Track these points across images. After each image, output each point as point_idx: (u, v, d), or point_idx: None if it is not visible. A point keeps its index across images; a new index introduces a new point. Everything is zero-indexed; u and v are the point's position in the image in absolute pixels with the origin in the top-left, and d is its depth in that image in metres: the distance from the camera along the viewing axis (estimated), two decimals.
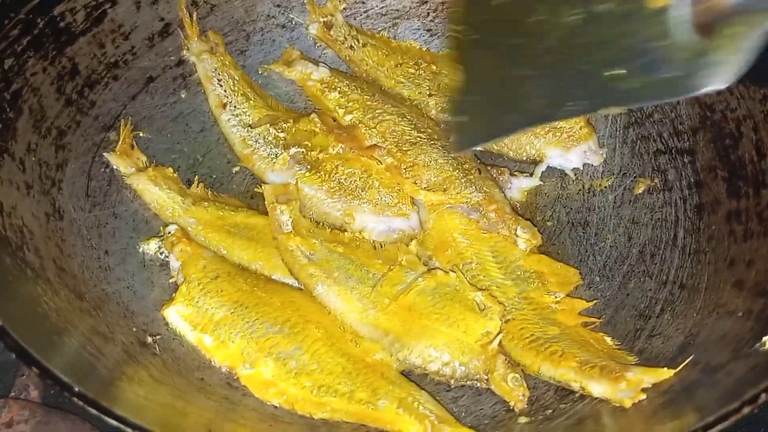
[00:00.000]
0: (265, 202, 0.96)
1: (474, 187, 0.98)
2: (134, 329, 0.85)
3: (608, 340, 0.86)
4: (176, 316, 0.86)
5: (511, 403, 0.82)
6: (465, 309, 0.85)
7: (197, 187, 1.02)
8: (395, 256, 0.92)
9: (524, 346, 0.85)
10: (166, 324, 0.87)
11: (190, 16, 1.11)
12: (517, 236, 0.95)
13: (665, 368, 0.75)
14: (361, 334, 0.86)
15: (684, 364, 0.75)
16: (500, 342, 0.84)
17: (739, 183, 0.89)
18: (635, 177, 1.02)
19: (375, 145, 1.02)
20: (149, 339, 0.85)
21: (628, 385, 0.77)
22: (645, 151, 1.03)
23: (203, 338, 0.84)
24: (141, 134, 1.06)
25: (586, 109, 0.72)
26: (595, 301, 0.91)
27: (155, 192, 0.99)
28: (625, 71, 0.63)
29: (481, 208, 0.97)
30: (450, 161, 1.00)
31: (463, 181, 0.99)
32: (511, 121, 0.75)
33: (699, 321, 0.81)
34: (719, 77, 0.60)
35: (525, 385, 0.82)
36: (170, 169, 1.02)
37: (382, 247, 0.94)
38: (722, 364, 0.71)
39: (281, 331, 0.84)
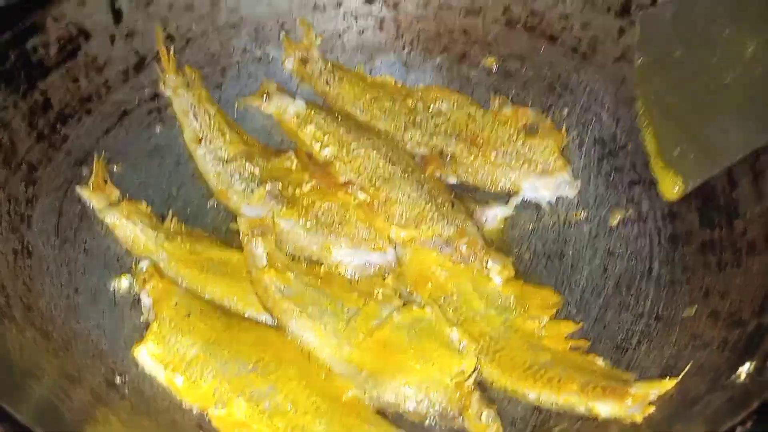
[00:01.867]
0: (240, 236, 0.95)
1: (446, 221, 0.98)
2: (103, 369, 0.83)
3: (600, 361, 0.86)
4: (147, 355, 0.84)
5: None
6: (440, 345, 0.84)
7: (171, 221, 1.01)
8: (371, 289, 0.91)
9: (520, 375, 0.84)
10: (137, 364, 0.85)
11: (167, 50, 1.10)
12: (488, 269, 0.95)
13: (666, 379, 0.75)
14: (334, 370, 0.84)
15: (685, 371, 0.75)
16: (475, 379, 0.83)
17: (712, 213, 0.90)
18: (610, 208, 1.03)
19: (348, 181, 1.02)
20: (118, 379, 0.83)
21: (635, 400, 0.76)
22: (619, 182, 1.04)
23: (174, 378, 0.82)
24: (115, 168, 1.04)
25: None
26: (581, 324, 0.91)
27: (127, 227, 0.98)
28: None
29: (453, 242, 0.96)
30: (423, 195, 1.01)
31: (435, 215, 0.99)
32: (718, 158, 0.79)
33: (676, 353, 0.81)
34: None
35: (500, 421, 0.81)
36: (143, 204, 1.01)
37: (357, 281, 0.94)
38: (699, 395, 0.70)
39: (254, 370, 0.83)
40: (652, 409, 0.76)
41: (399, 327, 0.86)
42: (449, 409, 0.81)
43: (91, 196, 0.99)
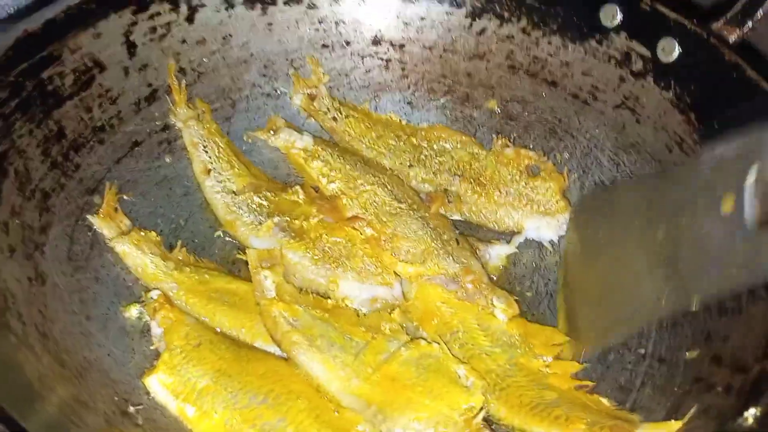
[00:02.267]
0: (249, 267, 0.96)
1: (452, 258, 1.00)
2: (116, 398, 0.83)
3: (605, 401, 0.87)
4: (158, 384, 0.85)
5: None
6: (449, 382, 0.85)
7: (179, 251, 1.02)
8: (378, 324, 0.92)
9: (527, 413, 0.84)
10: (148, 393, 0.85)
11: (179, 83, 1.12)
12: (493, 306, 0.97)
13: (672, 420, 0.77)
14: (343, 404, 0.85)
15: (690, 413, 0.76)
16: (484, 417, 0.83)
17: None
18: None
19: (355, 216, 1.04)
20: (131, 408, 0.83)
21: None
22: None
23: (185, 408, 0.83)
24: (125, 197, 1.06)
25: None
26: (585, 364, 0.92)
27: (137, 256, 0.98)
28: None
29: (459, 279, 0.98)
30: (429, 232, 1.02)
31: (441, 252, 1.00)
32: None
33: (680, 395, 0.82)
34: None
35: None
36: (153, 233, 1.02)
37: (365, 315, 0.95)
38: None
39: (265, 402, 0.83)
40: None
41: (407, 362, 0.86)
42: None
43: (101, 225, 1.00)
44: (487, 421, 0.85)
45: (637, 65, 1.06)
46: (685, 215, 0.76)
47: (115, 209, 1.03)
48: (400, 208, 1.05)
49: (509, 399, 0.86)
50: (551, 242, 1.07)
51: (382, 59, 1.24)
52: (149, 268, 0.97)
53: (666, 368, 0.88)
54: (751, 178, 0.68)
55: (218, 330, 0.93)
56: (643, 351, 0.92)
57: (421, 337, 0.91)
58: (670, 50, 1.02)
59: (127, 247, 0.99)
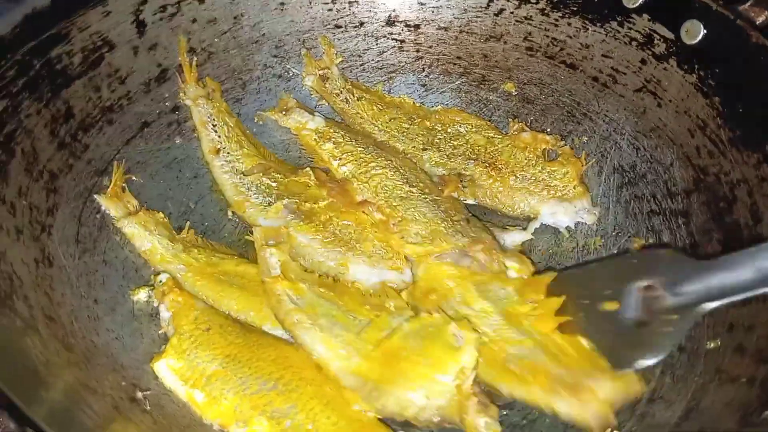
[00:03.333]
0: (255, 245, 0.94)
1: (460, 234, 0.98)
2: (123, 383, 0.82)
3: (585, 342, 0.85)
4: (166, 369, 0.84)
5: None
6: (443, 347, 0.82)
7: (187, 233, 1.01)
8: (383, 302, 0.90)
9: (496, 369, 0.84)
10: (156, 378, 0.84)
11: (190, 60, 1.10)
12: (507, 268, 0.95)
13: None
14: (343, 383, 0.83)
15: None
16: (475, 380, 0.82)
17: (735, 246, 0.90)
18: (629, 237, 1.03)
19: (365, 201, 1.02)
20: (139, 394, 0.82)
21: (598, 407, 0.78)
22: (639, 211, 1.04)
23: (194, 394, 0.82)
24: (133, 178, 1.04)
25: None
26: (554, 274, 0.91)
27: (145, 237, 0.97)
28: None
29: (469, 251, 0.96)
30: (438, 215, 1.00)
31: (450, 230, 0.98)
32: None
33: (701, 386, 0.81)
34: (653, 356, 0.79)
35: (499, 429, 0.80)
36: (161, 214, 1.01)
37: (370, 294, 0.93)
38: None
39: (275, 388, 0.82)
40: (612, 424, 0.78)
41: (407, 335, 0.84)
42: (450, 416, 0.80)
43: (108, 205, 0.99)
44: (484, 389, 0.84)
45: (660, 48, 1.03)
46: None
47: (123, 189, 1.01)
48: (410, 192, 1.03)
49: (484, 355, 0.85)
50: (567, 228, 1.05)
51: (396, 40, 1.22)
52: (156, 250, 0.96)
53: (686, 358, 0.86)
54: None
55: (227, 314, 0.92)
56: None
57: (423, 310, 0.89)
58: (695, 32, 0.99)
59: (134, 228, 0.97)
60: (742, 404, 0.72)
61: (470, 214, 1.04)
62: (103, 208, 0.99)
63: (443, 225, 0.99)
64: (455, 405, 0.80)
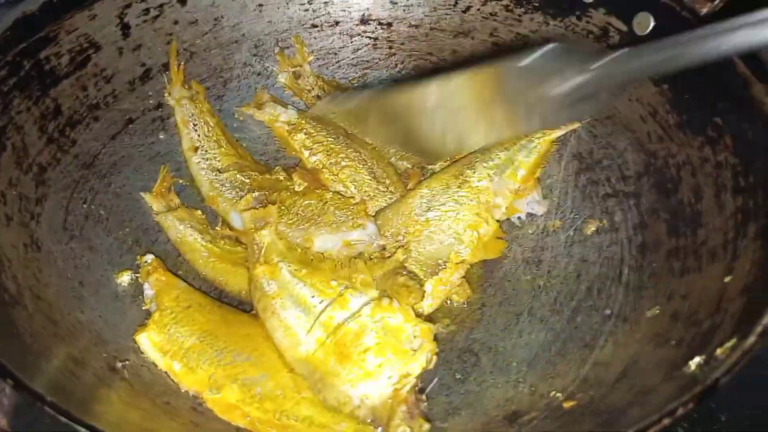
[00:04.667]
0: (244, 229, 1.00)
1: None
2: (105, 355, 0.88)
3: None
4: (148, 342, 0.90)
5: None
6: (396, 347, 0.83)
7: (221, 227, 1.08)
8: (351, 275, 0.91)
9: None
10: (135, 352, 0.90)
11: (178, 64, 1.17)
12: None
13: None
14: (295, 369, 0.87)
15: None
16: (412, 388, 0.82)
17: (678, 224, 0.96)
18: (585, 218, 1.08)
19: (337, 192, 1.08)
20: (119, 364, 0.88)
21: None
22: (594, 195, 1.09)
23: (172, 364, 0.88)
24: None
25: None
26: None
27: (178, 229, 1.06)
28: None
29: None
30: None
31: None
32: None
33: (638, 350, 0.86)
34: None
35: None
36: (199, 212, 1.10)
37: (341, 265, 0.94)
38: (654, 385, 0.76)
39: (248, 360, 0.87)
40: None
41: (363, 325, 0.84)
42: (380, 417, 0.82)
43: (152, 201, 1.09)
44: (421, 390, 0.86)
45: (614, 39, 1.09)
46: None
47: (168, 189, 1.11)
48: (378, 189, 1.09)
49: None
50: (519, 218, 1.11)
51: (370, 38, 1.28)
52: (187, 240, 1.05)
53: (628, 326, 0.91)
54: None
55: (205, 295, 0.99)
56: (608, 312, 0.96)
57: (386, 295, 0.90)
58: (646, 24, 1.04)
59: (170, 222, 1.07)
60: (669, 362, 0.78)
61: None
62: (146, 203, 1.09)
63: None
64: (387, 407, 0.81)
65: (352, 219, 1.01)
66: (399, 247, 1.01)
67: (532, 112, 0.92)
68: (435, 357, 0.84)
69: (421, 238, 1.02)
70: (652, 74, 0.83)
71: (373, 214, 1.06)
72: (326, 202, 1.04)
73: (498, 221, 1.06)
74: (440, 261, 1.00)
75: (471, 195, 1.05)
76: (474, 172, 1.06)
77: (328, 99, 1.09)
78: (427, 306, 0.98)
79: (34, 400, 0.65)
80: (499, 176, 1.06)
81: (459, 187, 1.05)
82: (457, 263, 1.00)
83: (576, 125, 1.12)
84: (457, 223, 1.02)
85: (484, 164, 1.07)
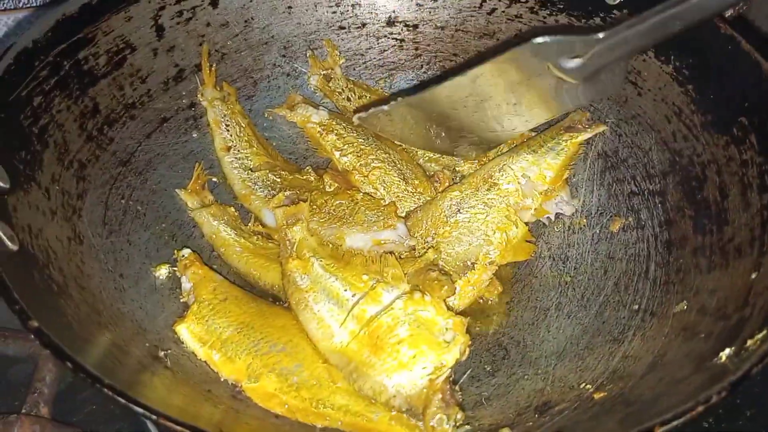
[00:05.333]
0: (276, 225, 1.02)
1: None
2: (147, 344, 0.91)
3: None
4: (187, 332, 0.92)
5: None
6: (429, 338, 0.84)
7: (253, 224, 1.10)
8: (382, 270, 0.93)
9: None
10: (175, 342, 0.93)
11: (210, 66, 1.20)
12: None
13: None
14: (329, 360, 0.89)
15: None
16: (448, 378, 0.84)
17: (704, 221, 0.97)
18: (611, 216, 1.10)
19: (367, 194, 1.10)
20: (161, 353, 0.90)
21: None
22: (620, 193, 1.11)
23: (212, 354, 0.90)
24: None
25: None
26: None
27: (212, 225, 1.08)
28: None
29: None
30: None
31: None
32: None
33: (666, 343, 0.87)
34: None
35: (449, 430, 0.82)
36: (232, 209, 1.11)
37: (372, 261, 0.96)
38: (685, 377, 0.77)
39: (283, 350, 0.90)
40: None
41: (396, 318, 0.86)
42: (415, 406, 0.83)
43: (187, 197, 1.11)
44: (454, 382, 0.87)
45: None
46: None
47: (203, 186, 1.14)
48: (406, 190, 1.11)
49: None
50: (548, 218, 1.12)
51: (396, 39, 1.30)
52: (220, 236, 1.07)
53: (656, 320, 0.93)
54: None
55: (243, 289, 1.01)
56: (636, 307, 0.98)
57: (418, 290, 0.91)
58: None
59: (204, 218, 1.09)
60: (698, 355, 0.79)
61: None
62: (181, 198, 1.11)
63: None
64: (422, 397, 0.82)
65: (383, 219, 1.03)
66: (430, 247, 1.02)
67: (560, 91, 0.95)
68: (468, 349, 0.85)
69: (451, 239, 1.03)
70: (659, 38, 0.82)
71: (403, 215, 1.08)
72: (357, 203, 1.06)
73: (526, 223, 1.07)
74: (469, 262, 1.02)
75: (500, 197, 1.06)
76: (503, 175, 1.08)
77: (362, 114, 1.09)
78: (456, 306, 1.00)
79: (91, 382, 0.68)
80: (527, 178, 1.07)
81: (488, 189, 1.07)
82: (485, 264, 1.02)
83: (602, 128, 1.13)
84: (486, 225, 1.04)
85: (513, 167, 1.08)
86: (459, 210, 1.06)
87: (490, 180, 1.08)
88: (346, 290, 0.91)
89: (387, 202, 1.09)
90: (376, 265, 0.93)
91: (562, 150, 1.11)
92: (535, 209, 1.08)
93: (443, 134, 1.09)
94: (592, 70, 0.90)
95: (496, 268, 1.03)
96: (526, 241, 1.05)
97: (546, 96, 0.97)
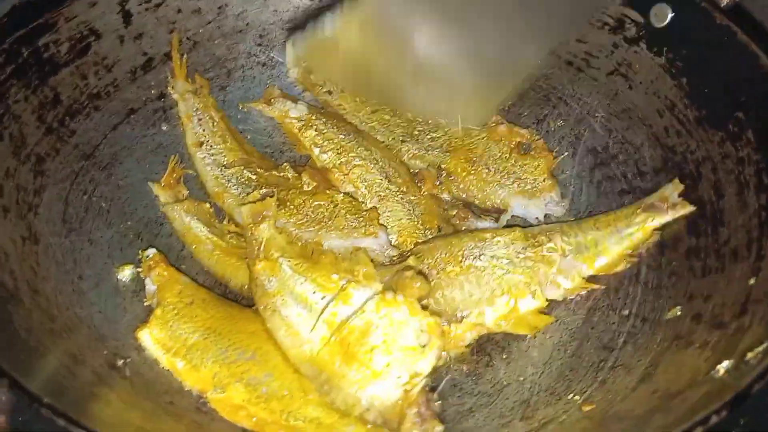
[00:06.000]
0: (242, 224, 0.97)
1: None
2: (105, 352, 0.85)
3: None
4: (150, 338, 0.87)
5: None
6: (403, 344, 0.80)
7: (227, 222, 1.05)
8: (353, 268, 0.87)
9: None
10: (137, 349, 0.88)
11: (181, 56, 1.14)
12: None
13: None
14: (301, 370, 0.84)
15: None
16: (423, 389, 0.80)
17: (698, 221, 0.93)
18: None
19: (348, 194, 1.05)
20: (119, 362, 0.85)
21: None
22: (610, 191, 1.06)
23: (175, 362, 0.85)
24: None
25: None
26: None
27: (184, 221, 1.03)
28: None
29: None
30: (413, 220, 1.03)
31: (419, 241, 1.01)
32: None
33: (659, 352, 0.83)
34: None
35: None
36: (207, 205, 1.06)
37: (343, 259, 0.89)
38: (679, 391, 0.73)
39: (252, 358, 0.85)
40: None
41: (368, 323, 0.81)
42: (390, 420, 0.79)
43: (159, 191, 1.06)
44: (433, 389, 0.83)
45: (631, 32, 1.06)
46: None
47: (178, 180, 1.08)
48: (389, 189, 1.06)
49: None
50: (537, 219, 1.07)
51: None
52: (191, 232, 1.02)
53: (648, 327, 0.89)
54: None
55: (209, 291, 0.96)
56: (627, 312, 0.93)
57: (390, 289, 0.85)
58: (663, 15, 1.02)
59: (177, 213, 1.04)
60: (693, 366, 0.75)
61: (445, 213, 1.06)
62: (153, 192, 1.06)
63: (414, 236, 1.01)
64: (397, 409, 0.79)
65: (364, 226, 0.98)
66: (410, 254, 0.95)
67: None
68: (444, 354, 0.80)
69: (454, 282, 0.92)
70: None
71: (386, 213, 1.03)
72: (337, 205, 1.01)
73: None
74: (459, 314, 0.91)
75: (533, 261, 0.93)
76: (549, 240, 0.94)
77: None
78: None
79: (30, 402, 0.62)
80: (573, 255, 0.94)
81: (524, 248, 0.94)
82: (473, 324, 0.91)
83: (689, 209, 0.94)
84: (499, 284, 0.91)
85: (565, 236, 0.95)
86: (480, 255, 0.93)
87: (532, 239, 0.94)
88: (315, 293, 0.85)
89: (369, 206, 1.04)
90: (346, 263, 0.87)
91: (630, 234, 0.95)
92: (567, 290, 0.95)
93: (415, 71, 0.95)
94: None
95: (484, 332, 0.93)
96: (541, 313, 0.93)
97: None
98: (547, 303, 0.93)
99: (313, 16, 1.16)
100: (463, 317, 0.91)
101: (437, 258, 0.94)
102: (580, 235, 0.95)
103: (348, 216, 1.00)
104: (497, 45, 0.91)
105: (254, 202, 0.97)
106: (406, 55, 0.96)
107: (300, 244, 0.94)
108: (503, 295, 0.91)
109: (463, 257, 0.93)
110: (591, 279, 0.95)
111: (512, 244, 0.94)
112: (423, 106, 1.05)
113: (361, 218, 1.00)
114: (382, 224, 1.00)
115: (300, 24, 1.19)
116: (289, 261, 0.89)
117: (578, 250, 0.94)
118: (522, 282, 0.92)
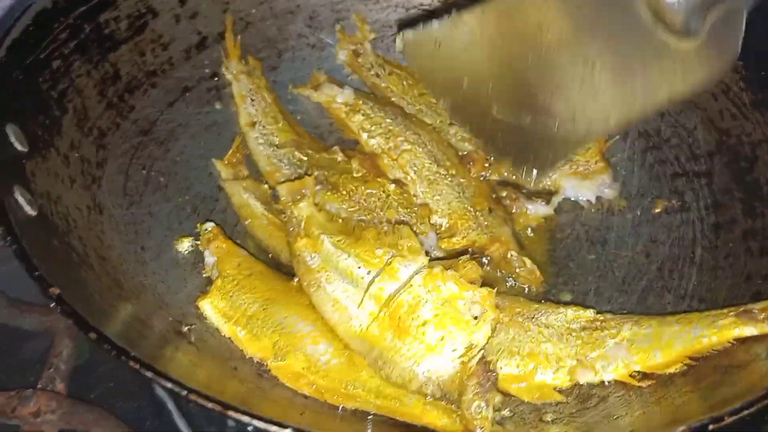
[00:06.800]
0: (281, 203, 0.97)
1: (480, 229, 1.00)
2: (170, 319, 0.87)
3: None
4: (211, 308, 0.88)
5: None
6: (455, 316, 0.78)
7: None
8: (396, 242, 0.85)
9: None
10: (198, 318, 0.89)
11: (235, 37, 1.15)
12: (518, 274, 0.97)
13: None
14: (350, 346, 0.83)
15: None
16: (481, 359, 0.77)
17: (755, 203, 0.93)
18: (653, 198, 1.05)
19: (397, 180, 1.05)
20: (184, 328, 0.86)
21: None
22: (662, 174, 1.06)
23: (237, 330, 0.86)
24: (178, 140, 1.11)
25: None
26: None
27: (242, 197, 1.04)
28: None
29: (486, 249, 0.98)
30: (464, 202, 1.03)
31: (471, 223, 1.01)
32: None
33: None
34: None
35: (489, 418, 0.75)
36: (266, 186, 1.07)
37: (385, 233, 0.88)
38: (744, 363, 0.73)
39: (311, 328, 0.85)
40: None
41: (417, 297, 0.80)
42: (450, 392, 0.78)
43: (222, 168, 1.07)
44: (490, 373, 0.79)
45: None
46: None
47: (241, 160, 1.10)
48: (438, 173, 1.05)
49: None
50: (588, 201, 1.07)
51: (426, 10, 1.25)
52: (249, 207, 1.03)
53: (705, 307, 0.88)
54: None
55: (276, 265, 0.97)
56: (683, 292, 0.93)
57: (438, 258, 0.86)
58: None
59: (236, 188, 1.05)
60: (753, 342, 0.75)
61: (494, 197, 1.05)
62: (216, 168, 1.07)
63: (465, 218, 1.01)
64: (456, 382, 0.77)
65: (415, 224, 0.98)
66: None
67: (656, 48, 0.71)
68: (498, 324, 0.80)
69: (497, 328, 0.84)
70: None
71: (436, 197, 1.03)
72: (389, 195, 1.01)
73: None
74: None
75: (576, 338, 0.86)
76: (615, 326, 0.86)
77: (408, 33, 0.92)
78: None
79: (116, 354, 0.64)
80: (627, 347, 0.84)
81: (583, 328, 0.86)
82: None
83: None
84: (528, 345, 0.85)
85: (627, 323, 0.85)
86: (533, 317, 0.88)
87: (599, 322, 0.87)
88: (360, 267, 0.84)
89: (419, 191, 1.04)
90: (390, 237, 0.86)
91: (704, 336, 0.81)
92: (604, 379, 0.84)
93: (502, 100, 0.86)
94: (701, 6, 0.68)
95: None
96: (555, 390, 0.84)
97: (634, 57, 0.72)
98: (570, 383, 0.84)
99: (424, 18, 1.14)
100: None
101: (504, 308, 0.89)
102: (645, 326, 0.85)
103: (400, 209, 0.99)
104: (596, 108, 0.81)
105: (285, 181, 0.99)
106: (508, 79, 0.87)
107: (340, 221, 0.93)
108: (525, 357, 0.85)
109: (521, 316, 0.89)
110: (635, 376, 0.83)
111: (574, 321, 0.87)
112: (494, 142, 0.97)
113: (413, 213, 0.99)
114: (431, 224, 1.00)
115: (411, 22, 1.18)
116: (330, 237, 0.88)
117: (635, 342, 0.83)
118: (553, 354, 0.85)
